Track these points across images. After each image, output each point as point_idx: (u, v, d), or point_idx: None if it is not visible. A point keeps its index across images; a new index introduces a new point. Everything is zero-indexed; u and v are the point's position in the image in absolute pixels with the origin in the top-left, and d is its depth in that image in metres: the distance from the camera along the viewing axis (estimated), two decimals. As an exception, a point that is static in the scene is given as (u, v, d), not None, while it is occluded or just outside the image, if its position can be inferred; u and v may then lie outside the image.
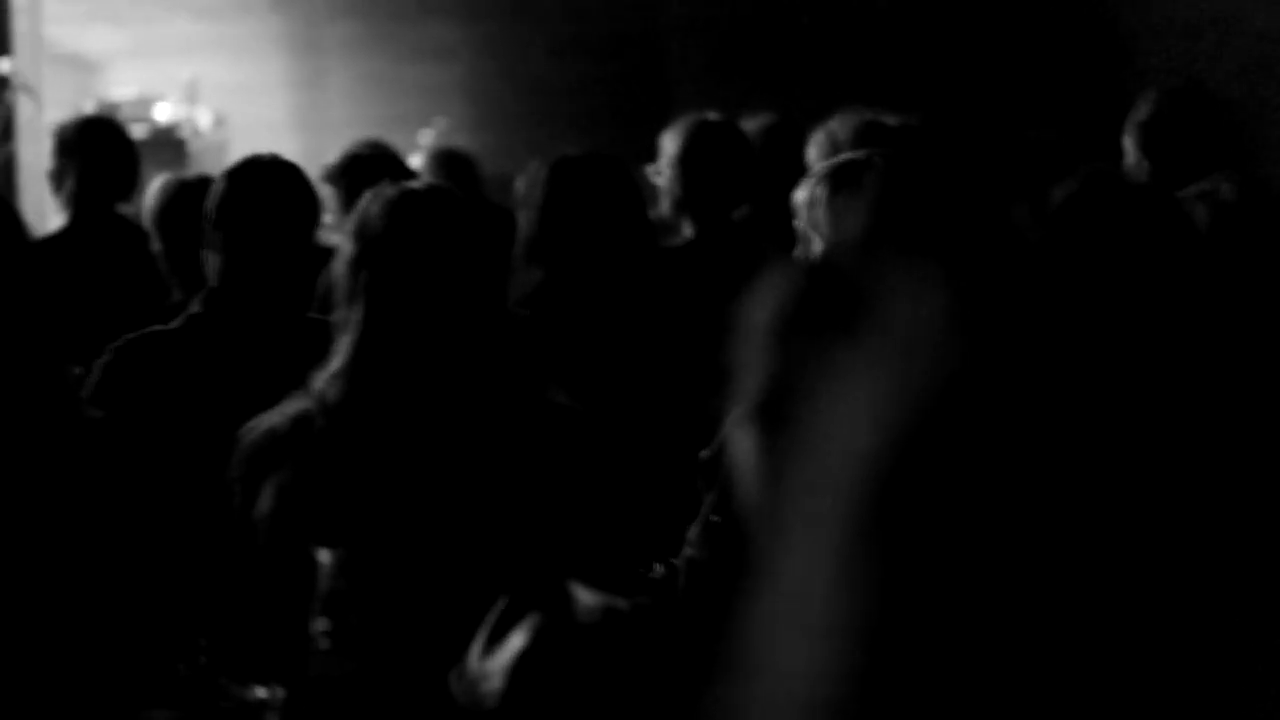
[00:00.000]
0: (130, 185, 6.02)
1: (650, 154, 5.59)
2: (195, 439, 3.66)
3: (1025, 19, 9.77)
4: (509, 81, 10.24)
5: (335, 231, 5.33)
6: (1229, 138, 5.24)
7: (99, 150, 5.94)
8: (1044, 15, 9.74)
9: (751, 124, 6.03)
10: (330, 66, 10.37)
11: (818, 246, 3.47)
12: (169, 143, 9.04)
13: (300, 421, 3.18)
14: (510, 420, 3.19)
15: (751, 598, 1.12)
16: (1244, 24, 8.76)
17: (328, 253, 3.91)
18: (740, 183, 5.41)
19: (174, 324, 4.02)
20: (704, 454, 3.38)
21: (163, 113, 9.30)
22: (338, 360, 3.18)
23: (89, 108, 8.61)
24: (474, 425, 3.17)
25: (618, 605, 2.30)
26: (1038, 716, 1.04)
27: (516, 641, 2.29)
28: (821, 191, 3.49)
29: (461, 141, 8.76)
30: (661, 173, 5.44)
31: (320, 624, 2.81)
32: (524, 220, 4.95)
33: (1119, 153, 5.31)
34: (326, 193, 5.68)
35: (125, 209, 5.98)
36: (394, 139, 7.07)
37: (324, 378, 3.18)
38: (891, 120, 5.90)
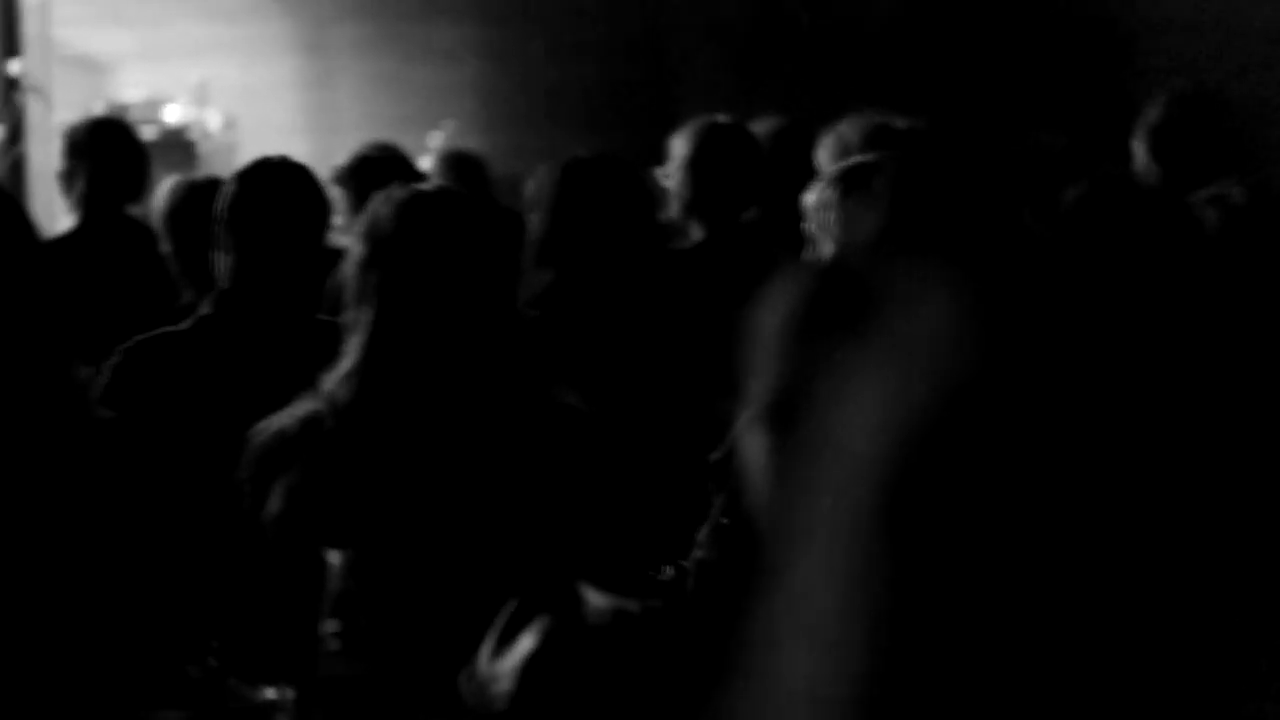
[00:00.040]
0: (140, 187, 6.02)
1: (659, 156, 5.59)
2: (205, 440, 3.66)
3: (1025, 19, 9.76)
4: (518, 83, 10.24)
5: (345, 233, 5.34)
6: (1239, 141, 5.23)
7: (109, 152, 5.95)
8: (1044, 15, 9.74)
9: (761, 126, 6.03)
10: (340, 68, 10.38)
11: (828, 249, 3.47)
12: (179, 144, 9.05)
13: (310, 423, 3.18)
14: (520, 421, 3.19)
15: (761, 600, 1.12)
16: (1245, 23, 8.77)
17: (337, 254, 3.92)
18: (749, 185, 5.42)
19: (184, 325, 4.03)
20: (714, 456, 3.38)
21: (172, 114, 9.31)
22: (347, 361, 3.18)
23: (99, 109, 8.61)
24: (484, 426, 3.17)
25: (627, 607, 2.30)
26: (1048, 717, 1.04)
27: (526, 643, 2.29)
28: (832, 194, 3.49)
29: (471, 143, 8.76)
30: (671, 175, 5.44)
31: (330, 625, 2.81)
32: (534, 222, 4.95)
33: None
34: (336, 195, 5.69)
35: (135, 210, 5.98)
36: (403, 141, 7.07)
37: (333, 379, 3.18)
38: (901, 123, 5.90)
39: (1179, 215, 3.31)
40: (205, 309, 4.03)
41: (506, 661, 2.30)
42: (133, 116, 8.21)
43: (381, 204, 3.25)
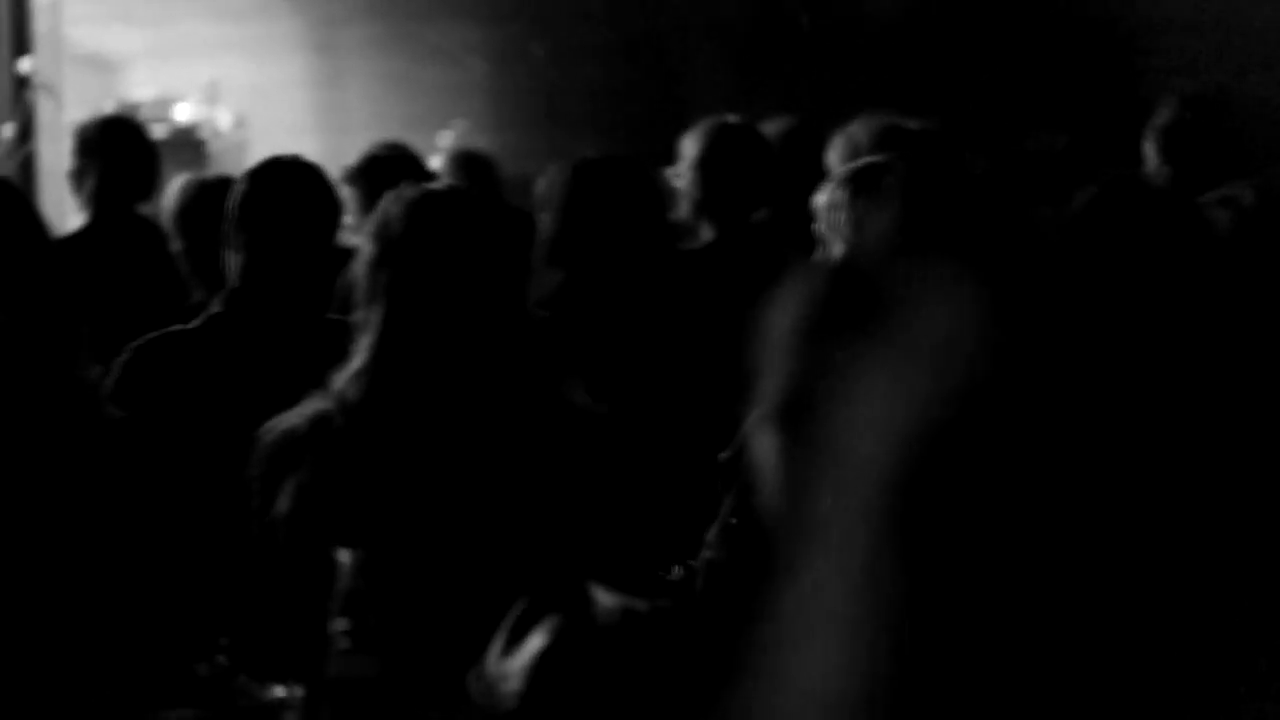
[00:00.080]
0: (150, 185, 6.03)
1: (669, 157, 5.59)
2: (215, 438, 3.67)
3: (1025, 19, 9.75)
4: (528, 83, 10.24)
5: (355, 233, 5.34)
6: (1240, 141, 5.23)
7: (119, 150, 5.95)
8: (1044, 15, 9.73)
9: (771, 127, 6.03)
10: (350, 67, 10.38)
11: (838, 250, 3.47)
12: (189, 143, 9.05)
13: (319, 421, 3.18)
14: (530, 421, 3.20)
15: (771, 600, 1.12)
16: (1245, 23, 8.76)
17: (348, 254, 3.92)
18: (760, 186, 5.41)
19: (194, 324, 4.03)
20: (723, 456, 3.38)
21: (183, 113, 9.32)
22: (357, 360, 3.18)
23: (109, 108, 8.61)
24: (493, 426, 3.17)
25: (636, 607, 2.30)
26: (1060, 715, 1.04)
27: (535, 642, 2.29)
28: (843, 195, 3.49)
29: (481, 143, 8.76)
30: (681, 175, 5.44)
31: (339, 624, 2.81)
32: (544, 222, 4.95)
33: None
34: (347, 194, 5.69)
35: (145, 209, 5.99)
36: (413, 140, 7.07)
37: (343, 378, 3.19)
38: (912, 124, 5.89)
39: (1190, 217, 3.31)
40: (215, 308, 4.04)
41: (516, 660, 2.30)
42: (143, 115, 8.21)
43: (392, 203, 3.25)
